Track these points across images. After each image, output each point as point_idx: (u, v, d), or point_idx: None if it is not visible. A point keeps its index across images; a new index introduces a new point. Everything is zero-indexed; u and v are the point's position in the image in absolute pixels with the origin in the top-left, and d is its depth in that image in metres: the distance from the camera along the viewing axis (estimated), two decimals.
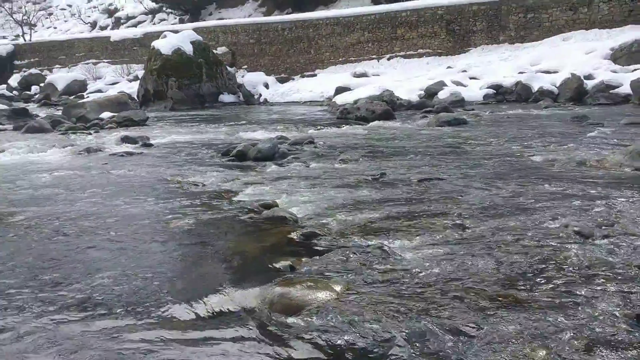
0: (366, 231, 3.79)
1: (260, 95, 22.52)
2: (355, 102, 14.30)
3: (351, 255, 3.28)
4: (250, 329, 2.43)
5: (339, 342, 2.28)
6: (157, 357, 2.17)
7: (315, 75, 24.87)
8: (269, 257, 3.31)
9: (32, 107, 20.93)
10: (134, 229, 4.05)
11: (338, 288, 2.76)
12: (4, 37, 45.09)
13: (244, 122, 13.55)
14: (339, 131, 10.65)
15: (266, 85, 23.36)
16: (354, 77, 21.27)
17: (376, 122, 11.63)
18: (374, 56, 24.53)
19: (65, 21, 52.92)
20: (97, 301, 2.73)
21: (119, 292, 2.84)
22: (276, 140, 8.21)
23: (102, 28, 45.40)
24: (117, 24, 45.20)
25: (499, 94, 16.52)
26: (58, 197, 5.29)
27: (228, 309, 2.63)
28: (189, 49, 20.18)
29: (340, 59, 25.17)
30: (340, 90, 18.24)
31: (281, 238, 3.69)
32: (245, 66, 26.86)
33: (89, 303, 2.71)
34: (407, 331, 2.31)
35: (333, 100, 17.25)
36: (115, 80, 28.24)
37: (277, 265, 3.14)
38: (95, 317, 2.55)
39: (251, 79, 23.70)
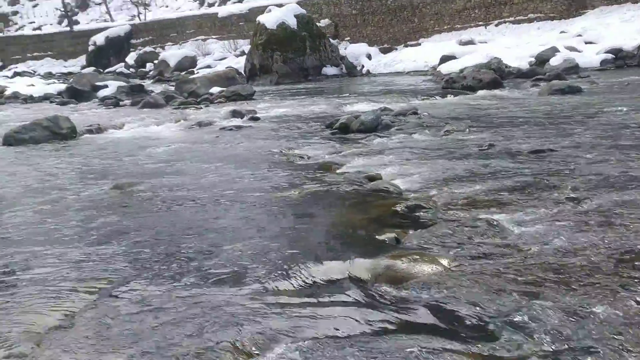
0: (474, 204, 3.69)
1: (363, 66, 22.36)
2: (461, 70, 13.87)
3: (458, 229, 3.22)
4: (356, 298, 2.46)
5: (443, 315, 2.26)
6: (268, 322, 2.26)
7: (419, 44, 24.31)
8: (373, 229, 3.32)
9: (147, 83, 22.12)
10: (245, 200, 4.20)
11: (444, 262, 2.73)
12: (103, 21, 47.63)
13: (347, 94, 13.57)
14: (444, 101, 10.40)
15: (369, 57, 23.14)
16: (460, 45, 20.58)
17: (483, 91, 11.23)
18: (480, 23, 23.57)
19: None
20: (205, 269, 2.88)
21: (231, 261, 2.97)
22: (379, 112, 8.16)
23: (210, 5, 46.82)
24: (224, 0, 46.44)
25: (619, 59, 15.34)
26: (173, 169, 5.59)
27: (335, 279, 2.67)
28: (293, 22, 20.38)
29: (445, 27, 24.43)
30: (445, 59, 17.74)
31: (385, 210, 3.69)
32: (348, 38, 26.75)
33: (207, 271, 2.86)
34: (515, 309, 2.24)
35: (438, 69, 16.84)
36: (223, 56, 29.17)
37: (382, 238, 3.15)
38: (201, 285, 2.69)
39: (354, 50, 23.57)
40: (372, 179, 4.55)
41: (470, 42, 20.88)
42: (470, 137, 6.28)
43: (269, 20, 20.39)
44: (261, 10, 24.93)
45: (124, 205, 4.26)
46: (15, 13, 68.71)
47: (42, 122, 8.55)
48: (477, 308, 2.28)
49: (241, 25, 32.19)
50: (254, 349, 2.06)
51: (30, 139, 8.15)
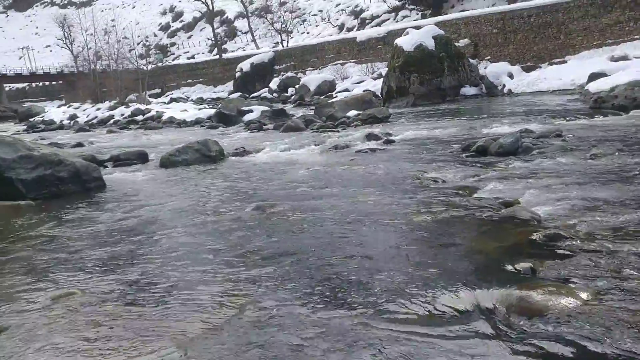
0: (621, 235, 3.46)
1: (504, 85, 21.65)
2: (612, 89, 12.94)
3: (601, 261, 3.04)
4: (486, 328, 2.42)
5: (579, 353, 2.15)
6: (394, 349, 2.30)
7: (565, 61, 23.08)
8: (508, 257, 3.23)
9: (288, 107, 23.09)
10: (379, 224, 4.27)
11: (584, 295, 2.60)
12: (241, 48, 50.27)
13: (486, 115, 13.22)
14: (592, 122, 9.78)
15: (510, 75, 22.37)
16: (611, 61, 19.26)
17: (638, 112, 10.40)
18: (636, 36, 21.84)
19: (317, 26, 57.24)
20: (338, 290, 2.97)
21: (359, 283, 3.04)
22: (519, 134, 7.86)
23: (349, 29, 48.02)
24: (362, 24, 47.40)
25: None
26: (311, 192, 5.81)
27: (463, 307, 2.65)
28: (430, 44, 20.29)
29: (594, 43, 22.97)
30: (594, 76, 16.65)
31: (522, 239, 3.57)
32: (488, 57, 26.08)
33: (340, 295, 2.96)
34: None
35: (585, 88, 15.83)
36: (360, 79, 29.68)
37: (517, 267, 3.05)
38: (333, 306, 2.78)
39: (494, 69, 22.91)
40: (508, 205, 4.42)
41: (624, 58, 19.45)
42: (619, 162, 5.87)
43: (406, 42, 20.47)
44: (399, 33, 25.10)
45: (265, 226, 4.51)
46: (172, 44, 75.27)
47: (194, 146, 9.28)
48: (618, 348, 2.14)
49: (379, 49, 32.62)
50: None
51: (183, 161, 8.88)
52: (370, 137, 10.04)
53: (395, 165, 7.09)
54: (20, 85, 74.34)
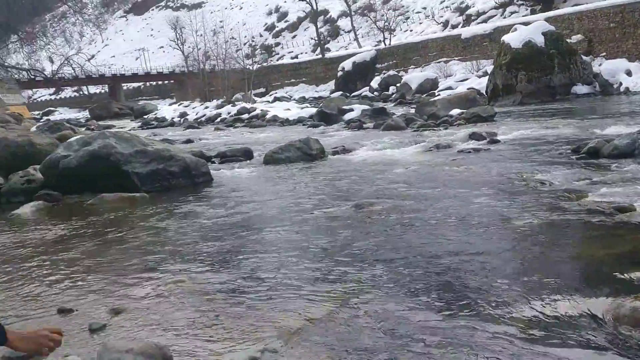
0: None
1: (621, 84, 20.34)
2: None
3: None
4: (594, 338, 2.32)
5: None
6: (501, 354, 2.25)
7: None
8: (619, 265, 3.05)
9: (389, 106, 22.97)
10: (481, 225, 4.18)
11: None
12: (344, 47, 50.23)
13: (599, 115, 12.50)
14: None
15: (628, 73, 20.98)
16: None
17: None
18: None
19: (420, 23, 56.45)
20: (441, 292, 2.94)
21: (463, 285, 3.00)
22: (637, 135, 7.37)
23: (454, 26, 47.00)
24: (467, 21, 46.26)
25: None
26: (410, 191, 5.77)
27: (570, 314, 2.55)
28: (539, 40, 19.46)
29: None
30: None
31: (637, 246, 3.36)
32: (604, 53, 24.61)
33: (439, 296, 2.94)
34: None
35: None
36: (464, 77, 28.99)
37: (630, 276, 2.88)
38: (435, 308, 2.76)
39: (609, 66, 21.59)
40: (623, 210, 4.17)
41: None
42: None
43: (514, 39, 19.77)
44: (506, 29, 24.28)
45: (365, 224, 4.55)
46: (277, 44, 77.14)
47: (296, 144, 9.49)
48: None
49: (484, 46, 31.73)
50: None
51: (286, 159, 9.11)
52: (473, 136, 9.79)
53: (500, 166, 6.87)
54: (135, 85, 79.21)
